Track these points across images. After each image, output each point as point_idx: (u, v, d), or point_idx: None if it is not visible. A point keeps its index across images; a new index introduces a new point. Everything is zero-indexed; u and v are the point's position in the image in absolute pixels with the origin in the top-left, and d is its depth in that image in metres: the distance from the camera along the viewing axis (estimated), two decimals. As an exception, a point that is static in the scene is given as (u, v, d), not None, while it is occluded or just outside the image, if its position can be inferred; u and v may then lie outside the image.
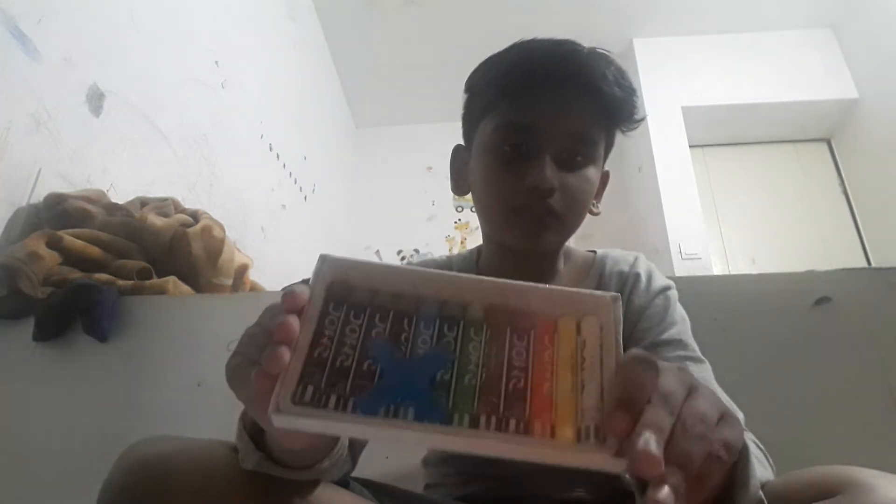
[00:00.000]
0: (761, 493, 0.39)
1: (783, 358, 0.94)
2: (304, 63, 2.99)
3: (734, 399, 0.58)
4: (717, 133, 3.33)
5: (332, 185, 3.35)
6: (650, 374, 0.29)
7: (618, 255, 0.73)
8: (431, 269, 0.35)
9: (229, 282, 1.31)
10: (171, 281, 1.14)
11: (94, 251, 1.12)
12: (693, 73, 3.26)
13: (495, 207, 0.65)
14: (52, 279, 1.05)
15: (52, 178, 1.22)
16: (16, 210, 1.13)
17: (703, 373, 0.60)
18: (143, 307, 1.06)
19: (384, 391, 0.30)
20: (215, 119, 1.97)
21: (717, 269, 2.96)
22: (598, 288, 0.67)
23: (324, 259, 0.35)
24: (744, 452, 0.36)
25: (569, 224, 0.65)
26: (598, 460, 0.28)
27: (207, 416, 0.90)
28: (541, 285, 0.35)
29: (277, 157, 2.53)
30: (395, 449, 0.84)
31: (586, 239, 3.18)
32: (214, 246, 1.26)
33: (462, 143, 0.74)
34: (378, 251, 3.72)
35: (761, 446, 0.51)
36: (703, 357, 0.63)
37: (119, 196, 1.37)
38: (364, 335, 0.32)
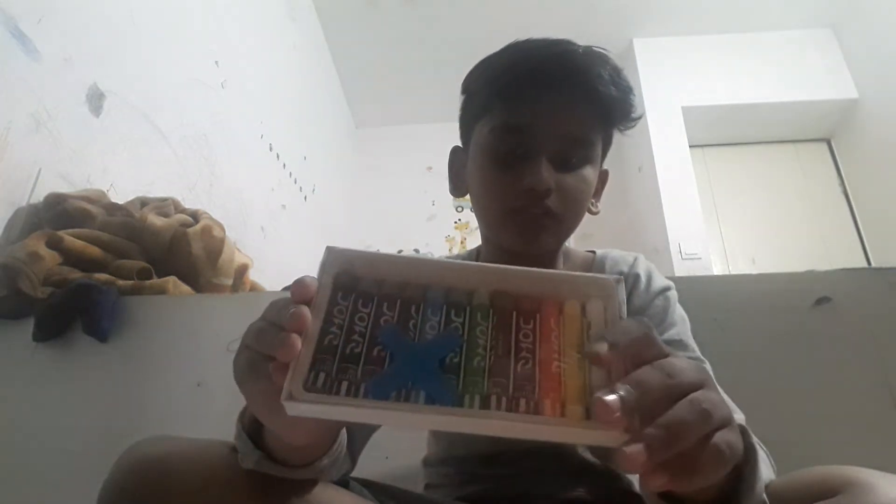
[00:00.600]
0: (765, 495, 0.39)
1: (783, 358, 0.94)
2: (304, 63, 3.00)
3: (734, 399, 0.58)
4: (717, 133, 3.33)
5: (332, 185, 3.35)
6: (641, 328, 0.30)
7: (617, 255, 0.73)
8: (436, 258, 0.36)
9: (229, 282, 1.31)
10: (171, 281, 1.14)
11: (94, 251, 1.12)
12: (693, 73, 3.26)
13: (492, 209, 0.65)
14: (52, 279, 1.05)
15: (52, 178, 1.22)
16: (16, 210, 1.13)
17: None
18: (143, 307, 1.06)
19: (395, 375, 0.31)
20: (215, 119, 1.97)
21: (717, 269, 2.96)
22: None
23: (330, 250, 0.35)
24: (752, 454, 0.36)
25: (566, 225, 0.64)
26: (608, 436, 0.28)
27: (207, 416, 0.90)
28: (544, 270, 0.35)
29: (277, 157, 2.53)
30: (395, 449, 0.84)
31: (586, 239, 3.18)
32: (214, 246, 1.26)
33: (459, 144, 0.74)
34: (378, 251, 3.71)
35: (763, 446, 0.51)
36: (703, 357, 0.63)
37: (119, 196, 1.37)
38: (373, 322, 0.33)
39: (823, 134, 3.35)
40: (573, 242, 0.74)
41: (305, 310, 0.31)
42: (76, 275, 1.07)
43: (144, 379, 0.99)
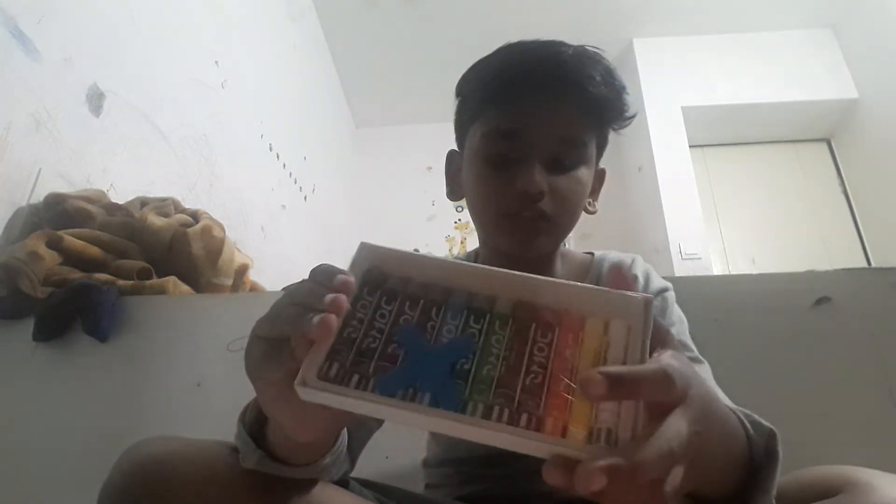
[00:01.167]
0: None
1: (783, 358, 0.94)
2: (304, 63, 2.99)
3: (734, 399, 0.58)
4: (717, 133, 3.33)
5: (332, 185, 3.35)
6: (659, 371, 0.28)
7: (615, 256, 0.73)
8: (464, 262, 0.36)
9: (229, 282, 1.31)
10: (171, 281, 1.14)
11: (94, 251, 1.12)
12: (693, 73, 3.26)
13: (487, 213, 0.65)
14: (52, 279, 1.05)
15: (52, 178, 1.22)
16: (16, 210, 1.13)
17: (703, 373, 0.60)
18: (143, 307, 1.06)
19: (404, 374, 0.31)
20: (215, 119, 1.97)
21: (717, 269, 2.96)
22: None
23: (363, 247, 0.36)
24: (774, 460, 0.36)
25: (561, 227, 0.64)
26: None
27: (207, 416, 0.90)
28: (571, 282, 0.35)
29: (277, 157, 2.53)
30: (395, 449, 0.84)
31: (586, 239, 3.18)
32: (214, 246, 1.26)
33: (455, 147, 0.74)
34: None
35: None
36: (701, 357, 0.63)
37: (119, 196, 1.37)
38: (393, 320, 0.33)
39: (823, 134, 3.35)
40: (573, 242, 0.74)
41: (343, 297, 0.31)
42: (76, 275, 1.07)
43: (144, 379, 0.99)
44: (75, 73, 1.31)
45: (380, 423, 0.64)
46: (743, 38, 3.28)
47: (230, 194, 2.02)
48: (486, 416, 0.29)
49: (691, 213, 2.95)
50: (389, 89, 3.71)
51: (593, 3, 3.09)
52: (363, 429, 0.61)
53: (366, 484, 0.57)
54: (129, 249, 1.17)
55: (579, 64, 0.61)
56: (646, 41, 3.34)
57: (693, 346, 0.64)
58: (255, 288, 1.43)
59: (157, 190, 1.54)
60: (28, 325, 1.00)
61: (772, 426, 0.39)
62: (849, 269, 1.01)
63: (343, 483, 0.52)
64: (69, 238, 1.09)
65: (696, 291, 0.96)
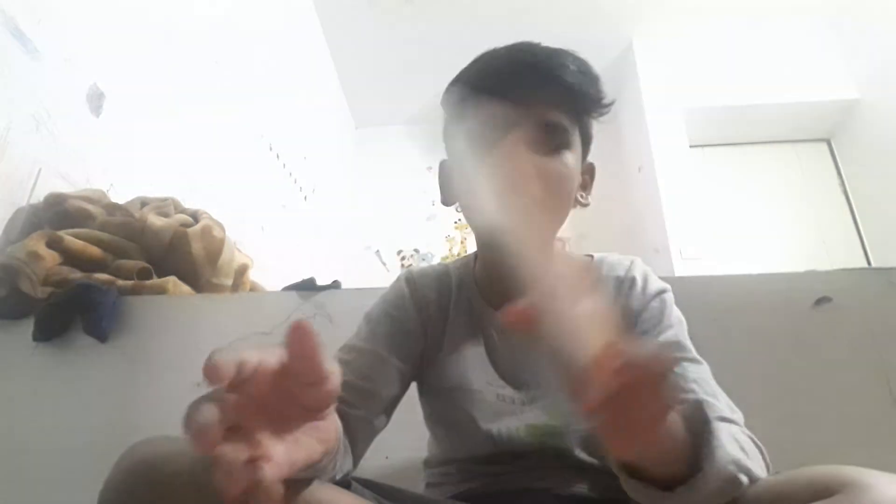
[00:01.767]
0: (737, 472, 0.42)
1: (783, 358, 0.94)
2: (304, 63, 2.99)
3: (734, 399, 0.58)
4: (717, 133, 3.33)
5: (332, 185, 3.35)
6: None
7: (614, 259, 0.73)
8: None
9: (229, 282, 1.31)
10: (171, 281, 1.14)
11: (94, 251, 1.12)
12: (693, 73, 3.26)
13: None
14: (52, 279, 1.05)
15: (52, 178, 1.22)
16: (16, 210, 1.13)
17: (701, 373, 0.60)
18: (143, 307, 1.06)
19: None
20: (215, 119, 1.97)
21: (717, 270, 2.96)
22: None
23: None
24: (706, 425, 0.41)
25: (554, 209, 0.65)
26: None
27: (207, 416, 0.90)
28: None
29: (277, 157, 2.53)
30: (395, 449, 0.84)
31: (585, 239, 3.18)
32: (214, 246, 1.26)
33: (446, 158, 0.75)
34: (378, 251, 3.72)
35: (758, 443, 0.51)
36: (700, 358, 0.63)
37: (119, 196, 1.37)
38: None
39: (823, 134, 3.35)
40: (573, 243, 0.74)
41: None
42: (76, 275, 1.07)
43: (144, 379, 0.99)
44: (75, 73, 1.31)
45: (385, 422, 0.64)
46: (743, 38, 3.28)
47: (230, 194, 2.02)
48: None
49: (691, 213, 2.95)
50: (389, 89, 3.71)
51: (593, 3, 3.09)
52: (368, 428, 0.61)
53: (366, 484, 0.57)
54: (129, 249, 1.17)
55: (553, 54, 0.64)
56: (646, 41, 3.34)
57: (691, 347, 0.64)
58: (255, 288, 1.43)
59: (157, 190, 1.54)
60: (28, 325, 1.00)
61: (699, 398, 0.43)
62: (849, 269, 1.02)
63: (344, 483, 0.53)
64: (69, 238, 1.09)
65: (696, 291, 0.96)
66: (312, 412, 0.35)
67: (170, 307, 1.09)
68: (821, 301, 0.96)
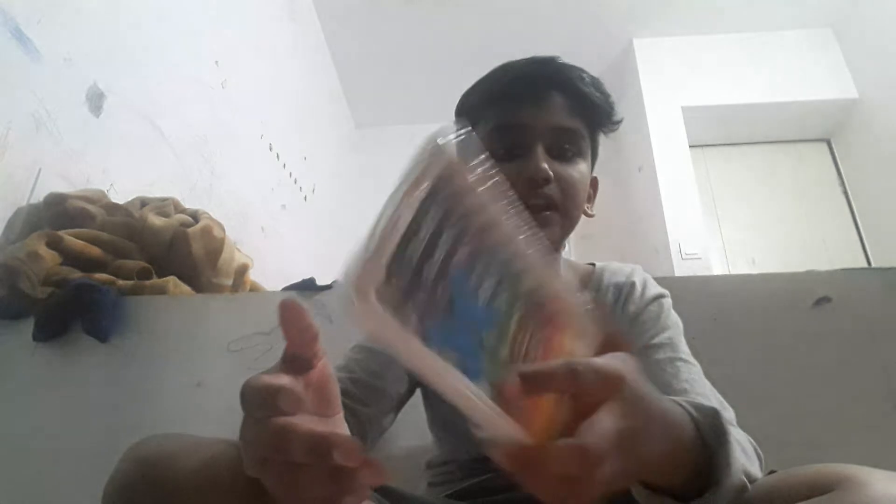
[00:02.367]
0: (745, 479, 0.41)
1: (783, 358, 0.94)
2: (304, 63, 2.99)
3: (734, 399, 0.58)
4: (717, 133, 3.33)
5: (332, 185, 3.35)
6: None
7: (615, 267, 0.76)
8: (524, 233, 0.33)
9: (229, 282, 1.31)
10: (171, 281, 1.14)
11: (94, 251, 1.12)
12: (693, 73, 3.26)
13: None
14: (52, 279, 1.05)
15: (52, 178, 1.22)
16: (16, 210, 1.13)
17: (692, 374, 0.61)
18: (143, 307, 1.06)
19: (449, 329, 0.28)
20: (215, 119, 1.97)
21: (717, 269, 2.96)
22: (595, 299, 0.71)
23: (440, 149, 0.29)
24: (723, 436, 0.38)
25: (568, 215, 0.67)
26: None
27: (207, 416, 0.90)
28: (568, 288, 0.35)
29: (277, 157, 2.53)
30: (396, 449, 0.84)
31: (586, 239, 3.18)
32: (214, 246, 1.26)
33: None
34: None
35: (753, 442, 0.51)
36: (693, 360, 0.63)
37: (119, 196, 1.37)
38: (447, 254, 0.29)
39: (823, 134, 3.35)
40: (573, 243, 0.75)
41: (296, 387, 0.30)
42: (76, 275, 1.07)
43: (144, 379, 0.99)
44: (75, 73, 1.31)
45: (393, 420, 0.65)
46: (743, 38, 3.28)
47: (230, 194, 2.02)
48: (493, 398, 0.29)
49: (691, 213, 2.95)
50: (389, 89, 3.71)
51: (593, 3, 3.09)
52: (376, 426, 0.62)
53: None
54: (129, 249, 1.17)
55: (570, 66, 0.68)
56: (646, 41, 3.34)
57: (686, 350, 0.65)
58: (255, 288, 1.43)
59: (157, 190, 1.54)
60: (28, 325, 1.00)
61: (714, 406, 0.41)
62: (849, 269, 1.02)
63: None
64: (69, 238, 1.09)
65: (696, 291, 0.96)
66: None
67: (170, 307, 1.09)
68: (821, 301, 0.96)
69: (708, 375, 0.62)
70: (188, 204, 1.41)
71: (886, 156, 2.89)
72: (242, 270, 1.37)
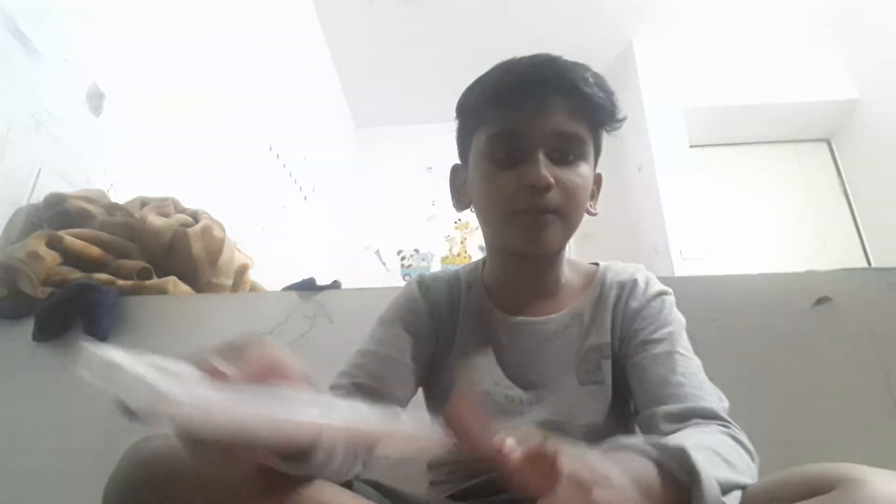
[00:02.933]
0: (730, 499, 0.42)
1: (783, 358, 0.94)
2: (304, 63, 2.99)
3: (734, 399, 0.58)
4: (717, 133, 3.33)
5: (332, 185, 3.35)
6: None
7: (619, 267, 0.75)
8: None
9: (229, 282, 1.31)
10: (171, 281, 1.14)
11: (94, 251, 1.12)
12: (693, 74, 3.26)
13: (496, 213, 0.67)
14: (52, 279, 1.05)
15: (52, 178, 1.22)
16: (16, 210, 1.13)
17: (690, 367, 0.61)
18: (143, 307, 1.06)
19: None
20: (215, 119, 1.97)
21: (717, 270, 2.96)
22: (599, 297, 0.71)
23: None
24: (694, 472, 0.40)
25: (569, 220, 0.67)
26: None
27: (207, 416, 0.90)
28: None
29: (277, 157, 2.53)
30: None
31: (586, 239, 3.18)
32: (214, 246, 1.26)
33: (459, 163, 0.77)
34: (378, 251, 3.72)
35: (742, 440, 0.51)
36: (692, 355, 0.64)
37: (119, 196, 1.37)
38: None
39: (823, 134, 3.35)
40: (574, 242, 0.75)
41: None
42: (76, 275, 1.07)
43: (144, 379, 0.99)
44: (75, 73, 1.31)
45: None
46: (743, 38, 3.28)
47: (230, 194, 2.02)
48: None
49: (691, 213, 2.95)
50: (389, 89, 3.71)
51: (593, 3, 3.09)
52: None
53: (367, 483, 0.57)
54: (129, 249, 1.17)
55: (572, 66, 0.66)
56: (646, 42, 3.34)
57: (688, 346, 0.65)
58: (255, 288, 1.43)
59: (157, 190, 1.54)
60: (28, 325, 1.00)
61: (678, 444, 0.42)
62: (849, 269, 1.02)
63: (346, 483, 0.53)
64: (69, 238, 1.09)
65: (696, 291, 0.96)
66: None
67: (170, 307, 1.09)
68: (821, 301, 0.96)
69: (708, 375, 0.62)
70: (188, 204, 1.41)
71: (886, 156, 2.89)
72: (242, 270, 1.37)
